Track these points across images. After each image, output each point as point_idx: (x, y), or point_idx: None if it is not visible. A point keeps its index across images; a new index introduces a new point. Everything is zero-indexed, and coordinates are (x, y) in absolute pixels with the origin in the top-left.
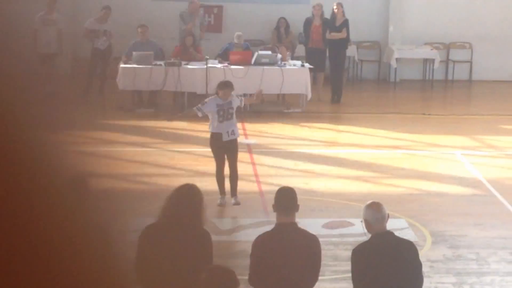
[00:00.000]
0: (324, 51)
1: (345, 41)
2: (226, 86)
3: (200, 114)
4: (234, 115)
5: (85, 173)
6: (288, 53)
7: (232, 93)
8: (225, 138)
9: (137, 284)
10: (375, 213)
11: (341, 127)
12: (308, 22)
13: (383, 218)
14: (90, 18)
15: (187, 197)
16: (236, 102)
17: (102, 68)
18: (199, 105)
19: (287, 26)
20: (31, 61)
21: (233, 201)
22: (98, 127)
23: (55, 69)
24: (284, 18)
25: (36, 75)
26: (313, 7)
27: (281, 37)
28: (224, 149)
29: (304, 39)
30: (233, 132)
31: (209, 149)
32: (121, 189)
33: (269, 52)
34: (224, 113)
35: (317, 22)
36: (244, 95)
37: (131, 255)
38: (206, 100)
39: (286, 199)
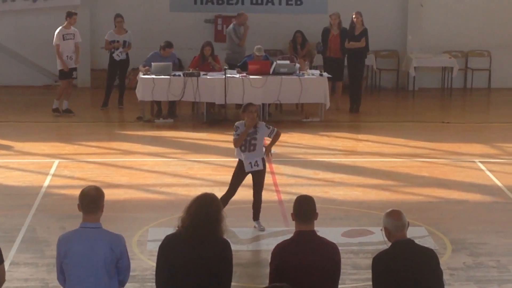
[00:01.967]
0: (343, 60)
1: (364, 50)
2: (246, 107)
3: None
4: (260, 146)
5: None
6: (306, 62)
7: (262, 122)
8: (248, 169)
9: None
10: (395, 221)
11: (360, 136)
12: (326, 32)
13: (404, 226)
14: (110, 30)
15: (206, 206)
16: (263, 132)
17: (121, 79)
18: (235, 133)
19: (304, 40)
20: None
21: (255, 225)
22: (117, 138)
23: (76, 83)
24: (300, 32)
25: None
26: (330, 16)
27: (297, 50)
28: (243, 177)
29: (322, 48)
30: (256, 163)
31: (228, 158)
32: (141, 199)
33: (288, 62)
34: (246, 143)
35: (335, 31)
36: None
37: (151, 264)
38: (237, 124)
39: (304, 207)
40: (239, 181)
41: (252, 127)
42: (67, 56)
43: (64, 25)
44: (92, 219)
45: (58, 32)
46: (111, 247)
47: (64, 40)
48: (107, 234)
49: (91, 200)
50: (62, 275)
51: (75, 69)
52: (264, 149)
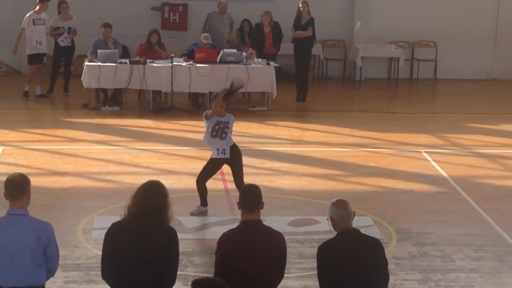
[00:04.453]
0: (275, 55)
1: (311, 40)
2: (224, 103)
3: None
4: (229, 136)
5: None
6: (253, 51)
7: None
8: (215, 155)
9: (103, 281)
10: (340, 210)
11: (306, 125)
12: (258, 28)
13: (349, 215)
14: (55, 16)
15: (152, 193)
16: (232, 122)
17: (66, 65)
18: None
19: (251, 28)
20: None
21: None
22: (63, 125)
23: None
24: (247, 20)
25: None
26: (261, 16)
27: (244, 39)
28: (218, 164)
29: (255, 44)
30: (223, 151)
31: (174, 147)
32: (87, 187)
33: (235, 50)
34: (219, 130)
35: (266, 28)
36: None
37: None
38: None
39: (250, 197)
40: (212, 167)
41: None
42: (37, 41)
43: (35, 9)
44: (18, 205)
45: (29, 16)
46: (37, 234)
47: (34, 25)
48: (33, 221)
49: (16, 185)
50: None
51: (44, 54)
52: (231, 139)
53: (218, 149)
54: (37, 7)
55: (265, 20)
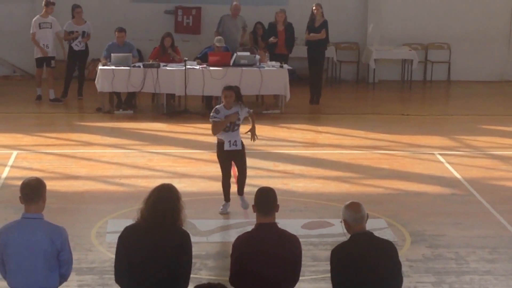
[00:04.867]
0: (287, 56)
1: (324, 42)
2: (226, 90)
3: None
4: (239, 127)
5: None
6: (266, 54)
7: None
8: (227, 147)
9: (117, 285)
10: (354, 213)
11: (319, 128)
12: (272, 28)
13: (362, 218)
14: (69, 20)
15: (165, 197)
16: (244, 113)
17: (80, 69)
18: (213, 113)
19: (264, 30)
20: None
21: (240, 202)
22: (77, 129)
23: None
24: (260, 23)
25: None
26: (276, 13)
27: (258, 42)
28: (229, 157)
29: (267, 44)
30: (235, 143)
31: (188, 150)
32: (100, 191)
33: (248, 53)
34: (230, 124)
35: (280, 27)
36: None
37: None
38: (218, 107)
39: (265, 199)
40: (226, 162)
41: (234, 118)
42: (43, 44)
43: (41, 13)
44: (34, 209)
45: (35, 21)
46: (51, 238)
47: (40, 28)
48: (47, 225)
49: (32, 189)
50: (3, 267)
51: (53, 57)
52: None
53: (230, 141)
54: (43, 11)
55: (280, 18)
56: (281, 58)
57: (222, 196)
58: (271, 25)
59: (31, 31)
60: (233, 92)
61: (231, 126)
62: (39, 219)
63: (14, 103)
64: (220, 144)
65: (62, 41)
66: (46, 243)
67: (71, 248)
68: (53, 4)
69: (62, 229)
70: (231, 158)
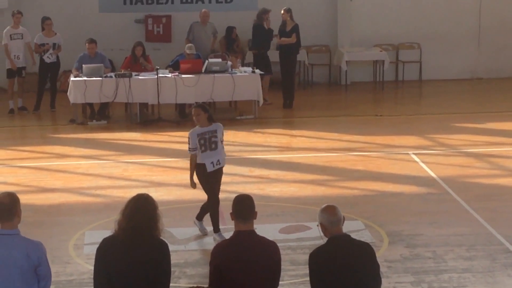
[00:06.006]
0: (267, 56)
1: (296, 46)
2: (195, 110)
3: (195, 153)
4: (220, 144)
5: None
6: (238, 60)
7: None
8: (210, 169)
9: None
10: (330, 216)
11: (294, 132)
12: (258, 29)
13: (339, 220)
14: (39, 33)
15: (141, 207)
16: (221, 131)
17: (52, 81)
18: (189, 146)
19: (236, 34)
20: None
21: (198, 225)
22: (51, 141)
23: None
24: (233, 27)
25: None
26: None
27: (230, 45)
28: (215, 175)
29: (256, 45)
30: (218, 162)
31: (163, 158)
32: (77, 203)
33: (219, 60)
34: (206, 142)
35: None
36: None
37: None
38: (188, 136)
39: (244, 207)
40: (211, 183)
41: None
42: (14, 55)
43: (11, 25)
44: (9, 226)
45: (6, 32)
46: (27, 254)
47: (11, 39)
48: (24, 240)
49: (5, 208)
50: None
51: (24, 68)
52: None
53: (212, 162)
54: (13, 22)
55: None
56: (261, 56)
57: (199, 204)
58: (257, 26)
59: (2, 43)
60: (200, 110)
61: (208, 145)
62: (14, 235)
63: None
64: (199, 167)
65: (32, 52)
66: (22, 259)
67: (49, 261)
68: (20, 13)
69: (39, 244)
70: (217, 177)
